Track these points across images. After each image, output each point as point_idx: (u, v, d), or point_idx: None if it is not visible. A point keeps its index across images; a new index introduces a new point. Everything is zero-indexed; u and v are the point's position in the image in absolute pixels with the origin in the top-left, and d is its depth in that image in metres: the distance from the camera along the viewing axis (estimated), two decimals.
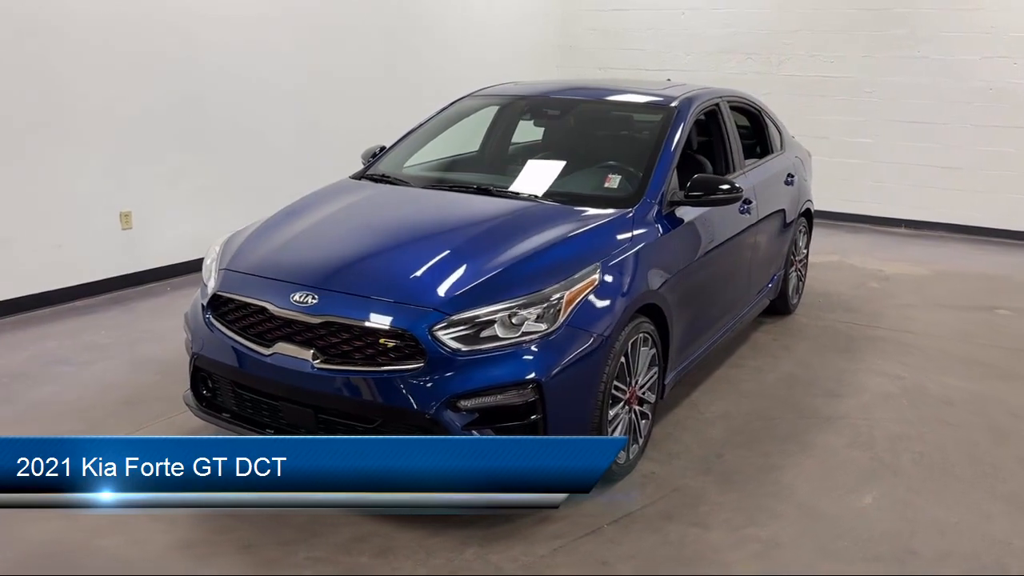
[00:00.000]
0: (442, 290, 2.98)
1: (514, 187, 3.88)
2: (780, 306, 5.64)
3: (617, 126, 4.43)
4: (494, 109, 4.67)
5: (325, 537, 2.98)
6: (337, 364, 2.94)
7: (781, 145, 5.59)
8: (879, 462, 3.69)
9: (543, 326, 2.95)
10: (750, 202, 4.52)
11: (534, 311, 2.95)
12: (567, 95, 4.62)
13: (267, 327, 3.10)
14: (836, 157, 9.01)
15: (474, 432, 2.87)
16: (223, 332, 3.22)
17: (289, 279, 3.14)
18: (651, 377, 3.56)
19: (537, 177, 4.17)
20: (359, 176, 4.22)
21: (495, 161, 4.49)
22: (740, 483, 3.47)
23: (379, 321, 2.91)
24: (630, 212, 3.58)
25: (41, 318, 5.23)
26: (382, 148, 4.43)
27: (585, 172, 4.05)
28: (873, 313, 5.85)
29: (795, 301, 5.77)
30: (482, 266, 3.10)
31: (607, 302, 3.14)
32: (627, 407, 3.39)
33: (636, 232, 3.49)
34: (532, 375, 2.88)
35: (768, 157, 5.26)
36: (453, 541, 2.98)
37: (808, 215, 5.84)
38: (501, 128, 4.62)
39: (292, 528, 3.02)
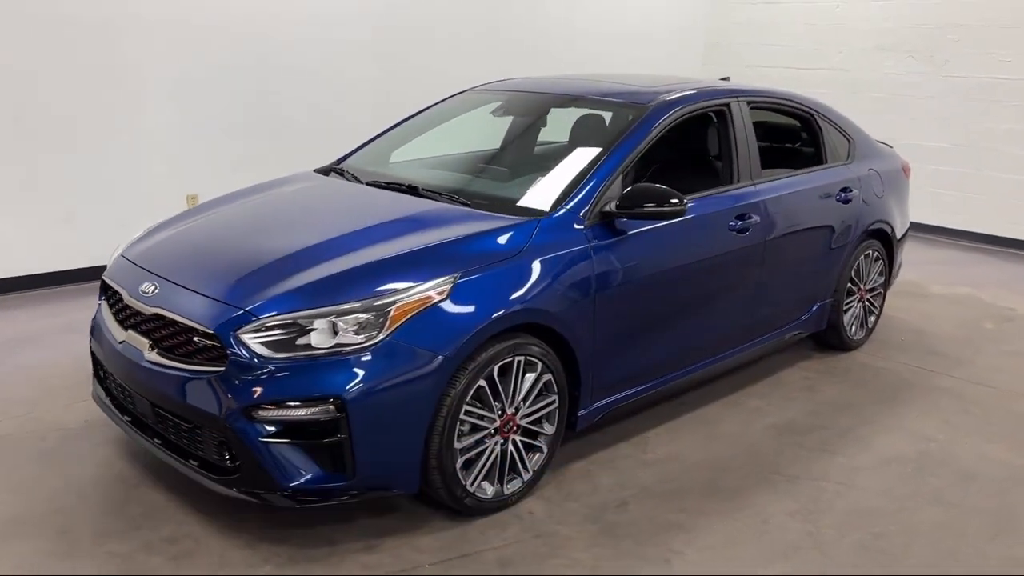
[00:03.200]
0: (264, 290, 2.81)
1: (443, 187, 3.62)
2: (833, 340, 4.90)
3: (588, 127, 4.00)
4: (489, 106, 4.40)
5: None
6: (164, 358, 2.88)
7: (849, 155, 4.83)
8: (813, 538, 3.06)
9: (360, 338, 2.70)
10: (748, 218, 3.93)
11: (355, 320, 2.71)
12: (549, 92, 4.25)
13: (125, 315, 3.11)
14: (1007, 172, 7.74)
15: (275, 445, 2.69)
16: (103, 317, 3.27)
17: (148, 268, 3.12)
18: (546, 406, 3.19)
19: (473, 179, 3.89)
20: (325, 169, 4.14)
21: (458, 161, 4.22)
22: (621, 539, 3.00)
23: (194, 318, 2.80)
24: (537, 221, 3.22)
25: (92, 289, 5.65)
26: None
27: (529, 175, 3.70)
28: (960, 359, 4.92)
29: (858, 337, 4.98)
30: (325, 267, 2.89)
31: (456, 317, 2.83)
32: (500, 437, 3.05)
33: (536, 243, 3.12)
34: (334, 391, 2.65)
35: (812, 169, 4.57)
36: (256, 558, 2.82)
37: (884, 237, 5.01)
38: (480, 126, 4.35)
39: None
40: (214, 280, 2.90)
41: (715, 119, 4.14)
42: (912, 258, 7.26)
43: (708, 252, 3.75)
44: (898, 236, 5.14)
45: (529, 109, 4.27)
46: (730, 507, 3.25)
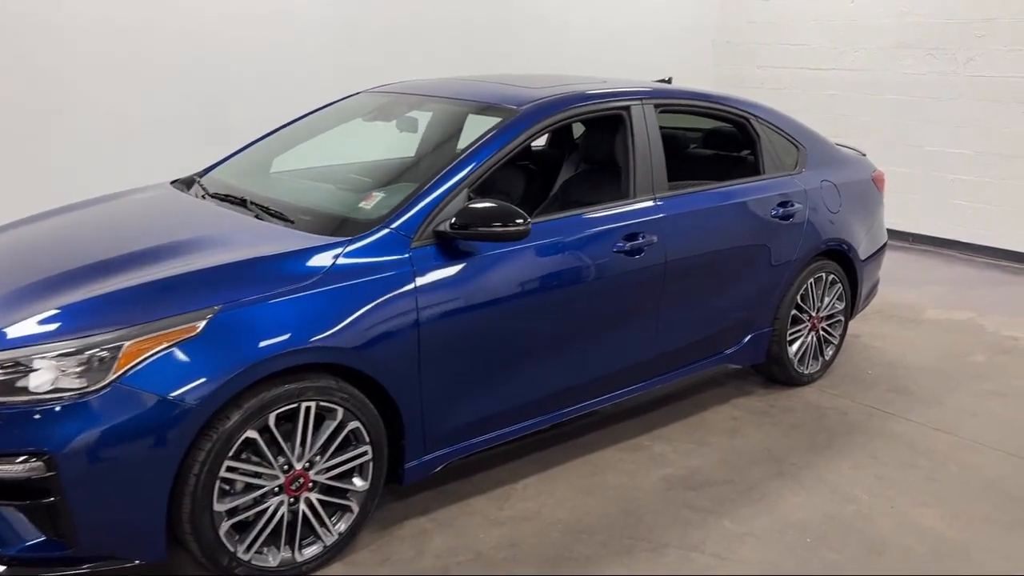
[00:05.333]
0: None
1: (275, 201, 3.20)
2: (778, 375, 4.32)
3: (450, 133, 3.54)
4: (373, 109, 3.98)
5: None
6: None
7: (797, 164, 4.25)
8: None
9: (82, 382, 2.32)
10: (641, 238, 3.41)
11: (78, 361, 2.33)
12: (428, 95, 3.80)
13: None
14: None
15: None
16: None
17: None
18: (356, 458, 2.75)
19: (322, 192, 3.48)
20: (200, 174, 3.77)
21: (330, 171, 3.80)
22: None
23: None
24: (347, 241, 2.78)
25: None
26: None
27: (372, 188, 3.26)
28: (928, 399, 4.28)
29: (811, 371, 4.39)
30: (67, 295, 2.51)
31: (211, 357, 2.41)
32: (286, 497, 2.63)
33: (340, 268, 2.69)
34: (43, 444, 2.27)
35: (742, 180, 4.01)
36: None
37: (841, 258, 4.40)
38: (355, 133, 3.92)
39: None
40: None
41: (615, 125, 3.63)
42: (918, 276, 6.60)
43: (581, 278, 3.24)
44: (862, 256, 4.51)
45: (399, 113, 3.83)
46: None
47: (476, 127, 3.34)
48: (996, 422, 4.04)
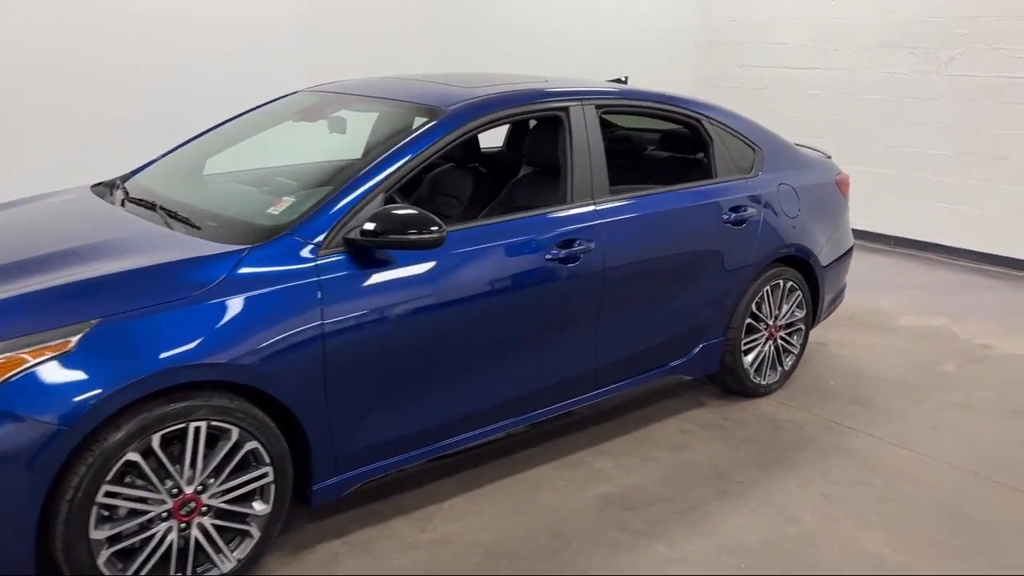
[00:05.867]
0: None
1: (185, 205, 3.04)
2: (734, 386, 4.15)
3: (378, 135, 3.38)
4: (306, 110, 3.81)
5: None
6: None
7: (753, 167, 4.08)
8: None
9: None
10: (577, 245, 3.25)
11: None
12: (362, 95, 3.63)
13: None
14: (1018, 184, 6.76)
15: None
16: None
17: None
18: (255, 480, 2.59)
19: (233, 196, 3.32)
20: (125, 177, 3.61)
21: (257, 175, 3.64)
22: None
23: None
24: (246, 249, 2.62)
25: None
26: None
27: (286, 193, 3.11)
28: (891, 411, 4.11)
29: (768, 381, 4.22)
30: None
31: (83, 375, 2.25)
32: (176, 523, 2.47)
33: (236, 278, 2.53)
34: None
35: (692, 185, 3.84)
36: None
37: (801, 264, 4.23)
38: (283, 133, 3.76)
39: None
40: None
41: (553, 127, 3.46)
42: (896, 281, 6.43)
43: (508, 287, 3.08)
44: (824, 262, 4.34)
45: (328, 113, 3.66)
46: None
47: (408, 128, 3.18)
48: (957, 436, 3.87)
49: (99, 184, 3.58)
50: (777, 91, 8.35)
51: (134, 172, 3.68)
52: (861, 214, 7.87)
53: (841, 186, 4.57)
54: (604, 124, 4.65)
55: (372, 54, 6.47)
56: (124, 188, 3.41)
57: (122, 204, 3.22)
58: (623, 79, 4.56)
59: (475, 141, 4.04)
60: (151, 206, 3.06)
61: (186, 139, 3.84)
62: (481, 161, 4.28)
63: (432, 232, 2.71)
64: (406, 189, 4.42)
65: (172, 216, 2.94)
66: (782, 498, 3.29)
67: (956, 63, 7.06)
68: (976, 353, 4.96)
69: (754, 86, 8.54)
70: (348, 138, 3.53)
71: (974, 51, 6.95)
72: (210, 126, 3.88)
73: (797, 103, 8.18)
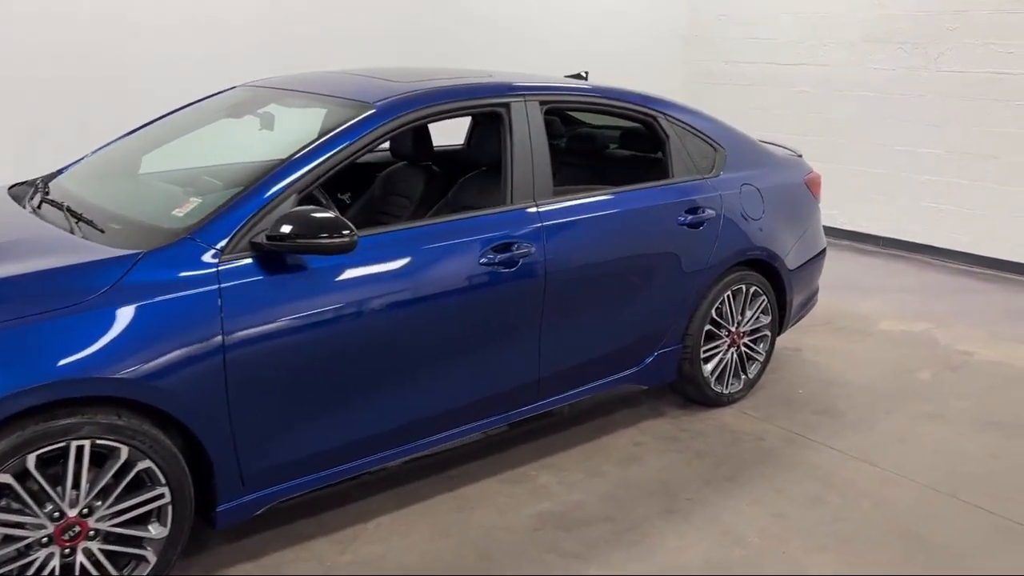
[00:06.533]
0: None
1: (95, 207, 2.87)
2: (694, 395, 3.97)
3: (303, 132, 3.20)
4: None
5: None
6: None
7: (713, 167, 3.90)
8: None
9: None
10: (515, 249, 3.07)
11: None
12: (292, 90, 3.46)
13: None
14: (1010, 184, 6.54)
15: None
16: None
17: None
18: (150, 501, 2.43)
19: (149, 197, 3.16)
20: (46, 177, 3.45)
21: (188, 174, 3.47)
22: None
23: None
24: (139, 254, 2.45)
25: None
26: None
27: (201, 193, 2.94)
28: (859, 423, 3.92)
29: (732, 390, 4.03)
30: None
31: None
32: (58, 548, 2.31)
33: (127, 284, 2.36)
34: None
35: (644, 185, 3.66)
36: None
37: (765, 268, 4.04)
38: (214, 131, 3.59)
39: None
40: None
41: (495, 124, 3.29)
42: (882, 283, 6.24)
43: (435, 294, 2.90)
44: (792, 265, 4.15)
45: (256, 109, 3.50)
46: None
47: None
48: (924, 450, 3.67)
49: (18, 184, 3.42)
50: (764, 88, 8.15)
51: (60, 171, 3.53)
52: (849, 214, 7.70)
53: (811, 186, 4.37)
54: (567, 121, 4.56)
55: (348, 55, 6.30)
56: (45, 188, 3.25)
57: (38, 206, 3.06)
58: (583, 74, 4.38)
59: (426, 138, 3.87)
60: (61, 207, 2.90)
61: (120, 134, 3.69)
62: (435, 159, 4.10)
63: (343, 236, 2.54)
64: (357, 189, 4.27)
65: (78, 219, 2.78)
66: (730, 518, 3.11)
67: (946, 58, 6.85)
68: (955, 360, 4.76)
69: (740, 83, 8.35)
70: (280, 135, 3.35)
71: (964, 46, 6.73)
72: (147, 121, 3.72)
73: (784, 101, 7.98)
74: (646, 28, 8.48)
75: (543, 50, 7.45)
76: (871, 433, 3.83)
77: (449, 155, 4.19)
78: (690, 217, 3.68)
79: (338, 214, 2.59)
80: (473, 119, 4.00)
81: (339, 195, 4.31)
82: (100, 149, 3.63)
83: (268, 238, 2.54)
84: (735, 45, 8.42)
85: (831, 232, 7.88)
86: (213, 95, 3.75)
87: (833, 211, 7.69)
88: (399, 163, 4.08)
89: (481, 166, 3.66)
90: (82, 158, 3.61)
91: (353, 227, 2.57)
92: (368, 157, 4.37)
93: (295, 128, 3.33)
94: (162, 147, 3.58)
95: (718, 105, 8.64)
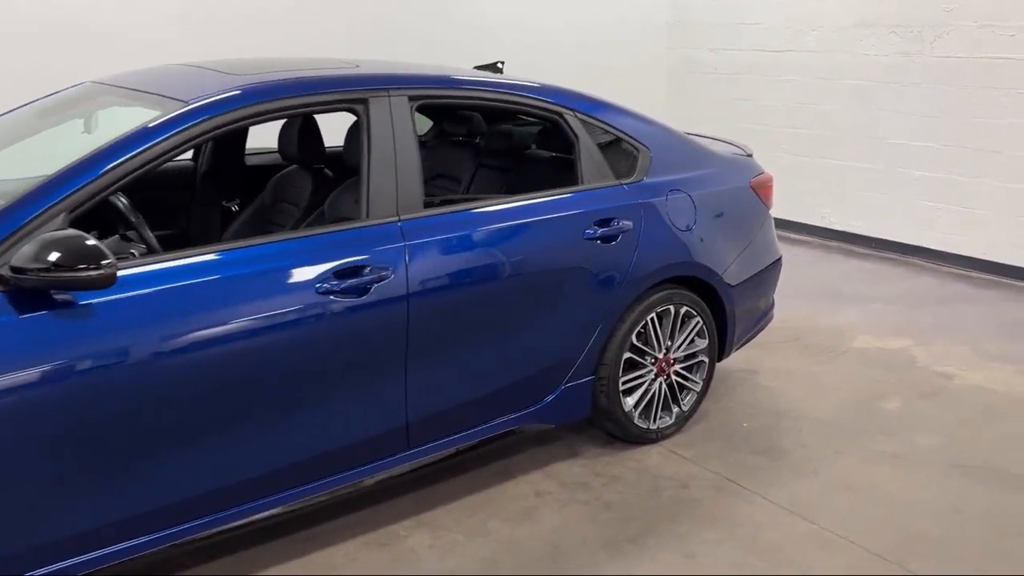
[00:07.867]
0: None
1: None
2: (615, 431, 3.47)
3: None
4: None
5: None
6: None
7: (636, 171, 3.38)
8: None
9: None
10: (365, 274, 2.59)
11: None
12: (122, 87, 2.99)
13: None
14: (1010, 181, 5.93)
15: None
16: None
17: None
18: None
19: None
20: None
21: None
22: None
23: None
24: None
25: None
26: None
27: None
28: (802, 465, 3.40)
29: (660, 425, 3.52)
30: None
31: None
32: None
33: None
34: None
35: (540, 195, 3.15)
36: None
37: (699, 285, 3.52)
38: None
39: None
40: None
41: (353, 124, 2.80)
42: (867, 291, 5.66)
43: (247, 329, 2.41)
44: (733, 281, 3.62)
45: (86, 110, 3.03)
46: None
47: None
48: (873, 502, 3.14)
49: None
50: (751, 77, 7.56)
51: None
52: (839, 213, 7.11)
53: (759, 190, 3.83)
54: (492, 119, 4.04)
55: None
56: None
57: None
58: (499, 65, 3.86)
59: (315, 136, 3.39)
60: None
61: None
62: (328, 162, 3.62)
63: (89, 271, 2.06)
64: (247, 197, 3.81)
65: None
66: None
67: (942, 43, 6.23)
68: (931, 385, 4.19)
69: (726, 71, 7.77)
70: (98, 140, 2.89)
71: (962, 29, 6.11)
72: None
73: (770, 91, 7.40)
74: (627, 12, 7.93)
75: (525, 42, 6.92)
76: (815, 478, 3.30)
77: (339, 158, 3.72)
78: (600, 230, 3.16)
79: (92, 240, 2.10)
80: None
81: (225, 203, 3.85)
82: None
83: (12, 270, 2.07)
84: (723, 31, 7.82)
85: (820, 233, 7.35)
86: (57, 92, 3.28)
87: (824, 210, 7.14)
88: (290, 166, 3.61)
89: (346, 174, 3.18)
90: None
91: (111, 257, 2.09)
92: (263, 159, 3.95)
93: (117, 131, 2.86)
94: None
95: (702, 96, 8.11)
